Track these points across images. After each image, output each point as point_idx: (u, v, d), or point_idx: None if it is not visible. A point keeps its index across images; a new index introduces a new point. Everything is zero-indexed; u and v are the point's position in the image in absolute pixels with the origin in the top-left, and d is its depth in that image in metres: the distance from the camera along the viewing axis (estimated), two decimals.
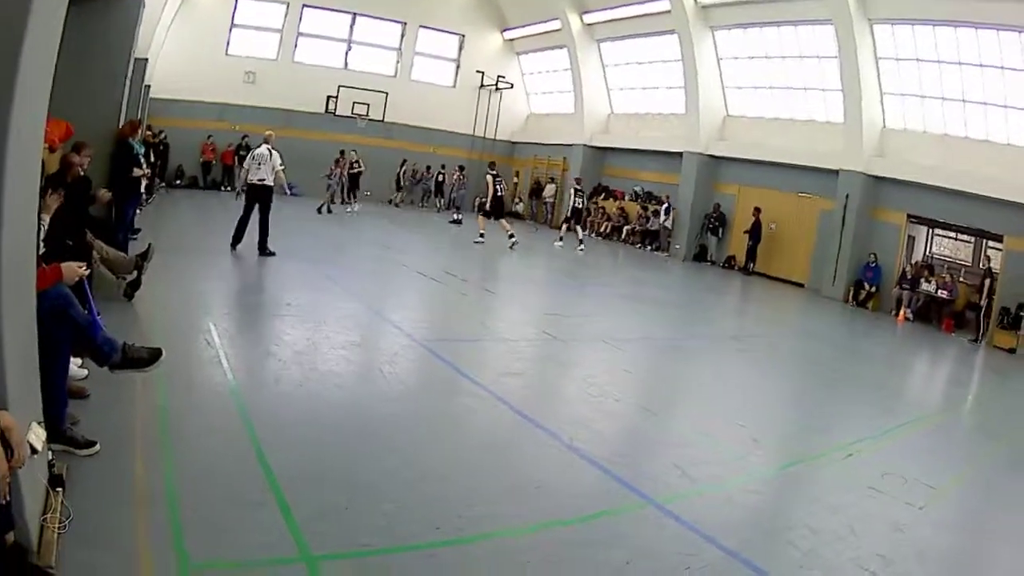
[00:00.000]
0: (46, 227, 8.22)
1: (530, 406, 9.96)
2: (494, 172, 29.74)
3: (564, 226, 31.63)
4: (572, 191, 32.24)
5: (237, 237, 18.87)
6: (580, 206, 32.02)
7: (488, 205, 29.28)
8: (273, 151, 19.05)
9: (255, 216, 18.87)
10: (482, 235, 28.12)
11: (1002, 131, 23.70)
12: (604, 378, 12.04)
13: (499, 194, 29.27)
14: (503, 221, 28.83)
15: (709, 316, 21.54)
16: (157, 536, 5.38)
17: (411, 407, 9.54)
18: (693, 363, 14.82)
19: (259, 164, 18.84)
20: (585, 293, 22.02)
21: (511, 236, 27.84)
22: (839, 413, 12.42)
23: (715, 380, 13.52)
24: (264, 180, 18.85)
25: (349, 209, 31.62)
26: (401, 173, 41.18)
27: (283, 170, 19.45)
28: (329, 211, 31.46)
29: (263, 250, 18.76)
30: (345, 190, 33.18)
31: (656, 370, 14.01)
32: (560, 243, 31.20)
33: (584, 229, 32.56)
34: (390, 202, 40.28)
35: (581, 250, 29.62)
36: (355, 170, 32.97)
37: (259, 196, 18.88)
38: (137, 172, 15.84)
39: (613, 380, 12.10)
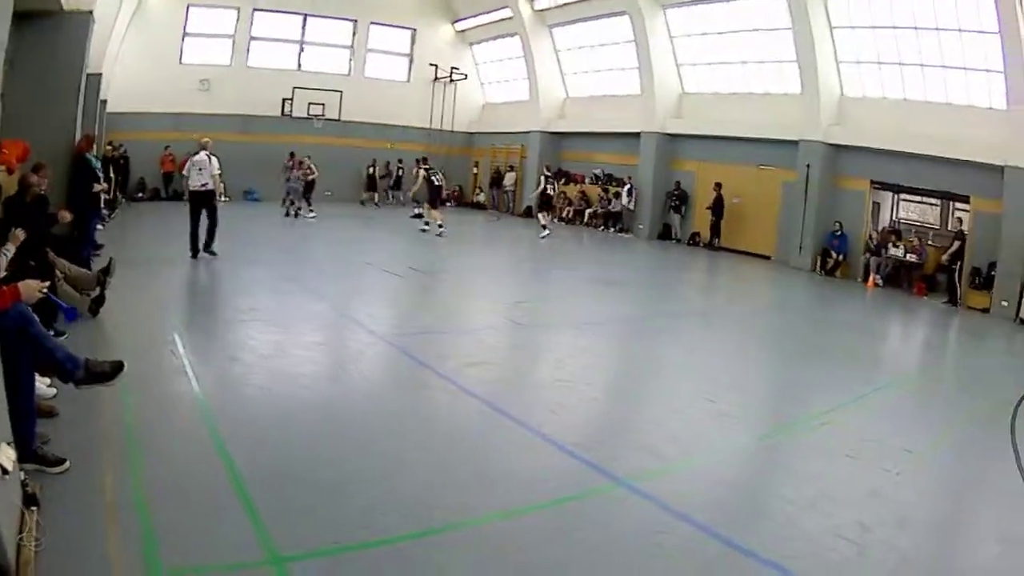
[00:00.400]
0: (10, 255, 8.20)
1: (497, 395, 9.90)
2: (427, 166, 30.14)
3: (541, 215, 31.14)
4: (542, 177, 31.77)
5: (194, 246, 18.83)
6: (552, 192, 31.73)
7: (428, 197, 29.57)
8: (212, 157, 19.06)
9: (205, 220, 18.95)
10: (440, 225, 28.27)
11: (962, 93, 23.67)
12: (571, 362, 12.02)
13: (436, 184, 29.50)
14: (435, 211, 29.09)
15: (675, 294, 21.56)
16: (129, 546, 5.39)
17: (378, 404, 9.52)
18: (661, 342, 14.67)
19: (199, 170, 18.89)
20: (550, 279, 21.94)
21: (441, 226, 28.27)
22: (812, 383, 12.39)
23: (684, 358, 13.45)
24: (206, 185, 18.86)
25: (311, 215, 31.41)
26: (372, 173, 40.83)
27: (220, 175, 19.47)
28: (296, 215, 31.21)
29: (207, 249, 18.89)
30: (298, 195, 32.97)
31: (624, 351, 13.92)
32: (546, 234, 30.02)
33: (551, 215, 32.29)
34: (362, 203, 39.79)
35: (543, 237, 29.33)
36: (309, 176, 32.77)
37: (203, 201, 18.92)
38: (97, 187, 15.78)
39: (581, 364, 12.08)
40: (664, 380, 12.11)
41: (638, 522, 6.54)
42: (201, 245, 18.88)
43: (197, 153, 19.20)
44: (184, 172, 20.34)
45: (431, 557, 5.74)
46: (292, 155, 33.85)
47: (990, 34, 21.68)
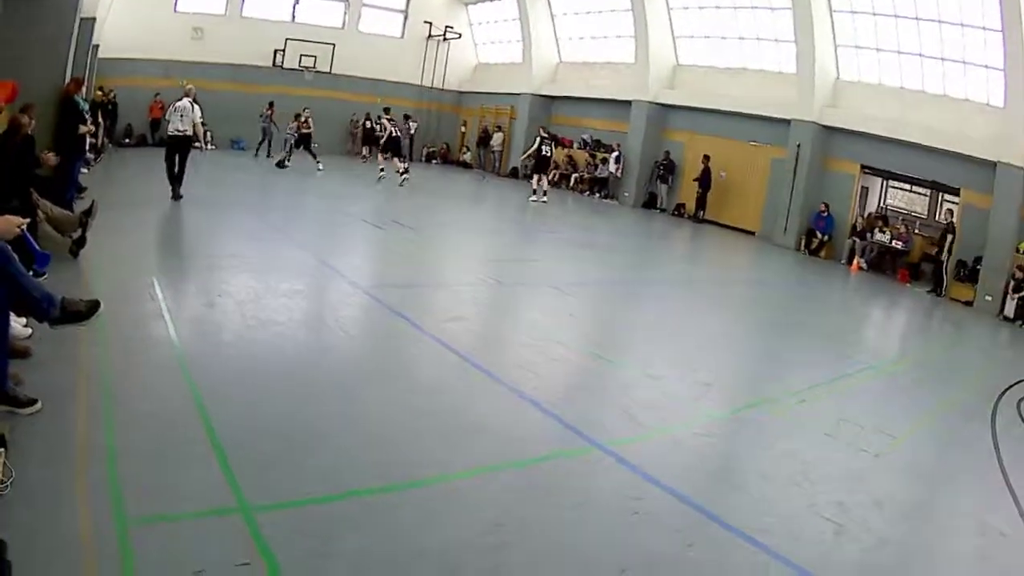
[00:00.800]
0: None
1: (475, 351, 9.88)
2: (389, 116, 31.48)
3: (536, 178, 30.71)
4: (538, 139, 31.31)
5: (174, 189, 18.90)
6: (548, 154, 31.30)
7: (383, 144, 31.43)
8: (195, 104, 19.19)
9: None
10: (382, 170, 30.36)
11: (960, 86, 23.65)
12: (550, 322, 12.01)
13: (394, 135, 30.86)
14: (396, 160, 30.57)
15: (658, 262, 21.51)
16: (97, 493, 5.30)
17: (354, 355, 9.49)
18: (642, 308, 14.68)
19: (180, 116, 18.89)
20: (533, 240, 21.96)
21: (403, 172, 29.80)
22: (792, 359, 12.36)
23: (665, 325, 13.40)
24: (185, 131, 18.85)
25: (319, 168, 31.52)
26: (368, 127, 40.38)
27: (203, 123, 19.58)
28: (284, 165, 31.17)
29: (175, 195, 18.86)
30: (289, 147, 32.89)
31: (604, 315, 13.94)
32: (537, 199, 29.83)
33: (546, 179, 31.95)
34: (363, 159, 38.99)
35: (538, 201, 29.22)
36: (305, 130, 32.74)
37: (179, 146, 18.97)
38: (83, 129, 15.67)
39: (560, 325, 12.05)
40: (644, 346, 12.03)
41: (613, 486, 6.49)
42: (173, 190, 18.87)
43: (180, 99, 19.21)
44: (166, 117, 20.17)
45: (400, 511, 5.66)
46: (271, 104, 34.35)
47: (992, 31, 21.63)
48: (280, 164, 31.30)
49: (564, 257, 19.17)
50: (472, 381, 8.82)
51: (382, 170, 30.02)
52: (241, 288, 11.49)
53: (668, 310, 14.72)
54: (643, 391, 9.30)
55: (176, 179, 18.90)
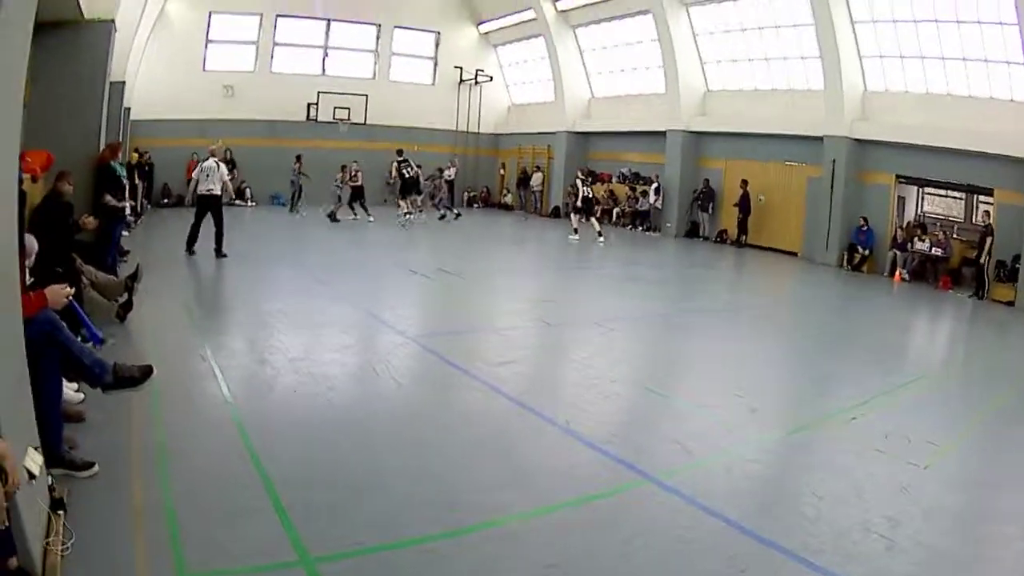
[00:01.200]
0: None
1: (525, 393, 9.99)
2: (401, 158, 32.46)
3: (575, 217, 30.86)
4: (578, 181, 31.44)
5: (190, 243, 19.77)
6: (589, 195, 31.06)
7: (400, 188, 32.96)
8: (220, 163, 20.31)
9: (208, 223, 19.73)
10: (408, 214, 31.81)
11: (984, 85, 23.63)
12: (599, 360, 12.08)
13: (405, 177, 32.05)
14: (403, 201, 32.17)
15: (702, 290, 21.44)
16: (157, 550, 5.40)
17: (406, 403, 9.59)
18: (689, 338, 14.76)
19: (207, 175, 19.80)
20: (578, 277, 22.07)
21: (407, 214, 31.56)
22: (840, 377, 12.40)
23: (712, 353, 13.49)
24: (212, 190, 19.81)
25: (370, 219, 32.04)
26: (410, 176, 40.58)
27: (231, 179, 20.79)
28: (335, 218, 31.62)
29: (218, 252, 19.60)
30: (342, 200, 33.20)
31: (651, 348, 14.01)
32: (575, 237, 29.79)
33: (596, 218, 31.70)
34: (418, 210, 39.26)
35: (597, 241, 29.00)
36: (354, 183, 33.06)
37: (209, 205, 19.73)
38: (112, 201, 15.79)
39: (608, 361, 12.13)
40: (692, 376, 12.20)
41: (667, 517, 6.60)
42: (213, 250, 19.52)
43: (207, 159, 20.08)
44: (192, 176, 21.11)
45: (459, 556, 5.78)
46: (298, 158, 35.00)
47: (1009, 25, 21.64)
48: (331, 217, 31.66)
49: (609, 293, 19.27)
50: (524, 423, 8.96)
51: (408, 213, 31.25)
52: (290, 343, 11.77)
53: (713, 338, 14.77)
54: (693, 421, 9.46)
55: (216, 239, 19.54)
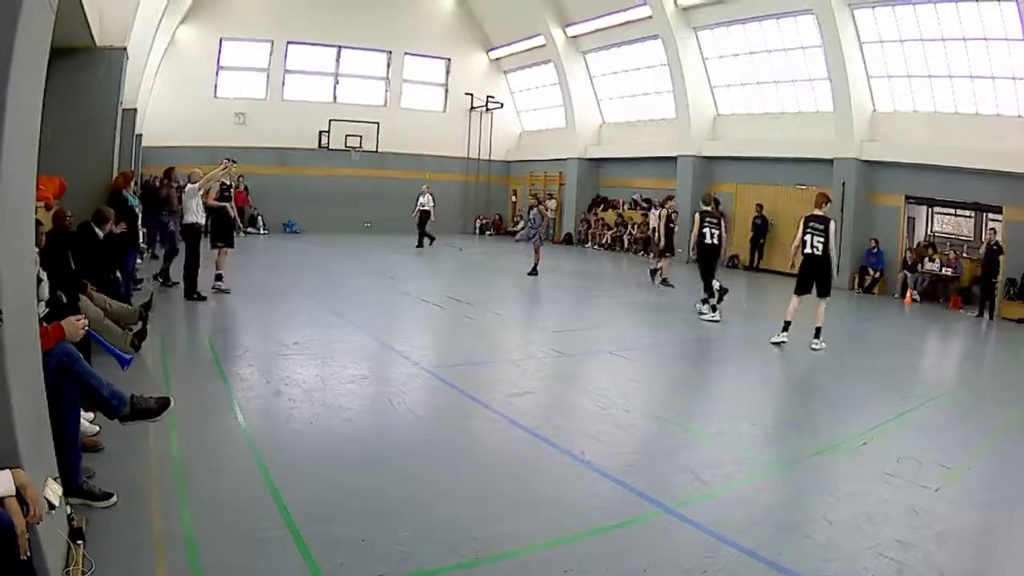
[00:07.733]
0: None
1: (540, 424, 10.01)
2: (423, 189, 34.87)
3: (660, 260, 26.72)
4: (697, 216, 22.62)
5: (190, 280, 18.46)
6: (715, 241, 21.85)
7: (418, 220, 34.47)
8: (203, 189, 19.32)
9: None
10: (431, 240, 34.30)
11: (990, 103, 23.82)
12: (612, 389, 12.09)
13: (424, 208, 34.25)
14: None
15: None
16: None
17: (421, 435, 9.63)
18: (701, 365, 14.93)
19: (197, 206, 18.65)
20: (590, 305, 22.20)
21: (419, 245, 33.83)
22: (851, 402, 12.36)
23: (724, 380, 13.66)
24: (196, 223, 18.52)
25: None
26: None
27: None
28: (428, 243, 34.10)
29: (163, 277, 19.52)
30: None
31: (664, 376, 14.04)
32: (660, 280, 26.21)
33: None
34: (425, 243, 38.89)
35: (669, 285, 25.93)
36: (424, 208, 33.47)
37: (198, 235, 18.52)
38: (115, 229, 15.74)
39: (621, 390, 12.15)
40: (704, 403, 12.23)
41: (683, 547, 6.63)
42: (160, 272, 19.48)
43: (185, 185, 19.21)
44: (183, 205, 19.20)
45: None
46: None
47: (1015, 41, 21.74)
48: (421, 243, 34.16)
49: (623, 321, 19.40)
50: (540, 454, 8.99)
51: (431, 239, 32.90)
52: (306, 375, 11.80)
53: (725, 365, 15.01)
54: (706, 449, 9.51)
55: (166, 261, 19.58)
